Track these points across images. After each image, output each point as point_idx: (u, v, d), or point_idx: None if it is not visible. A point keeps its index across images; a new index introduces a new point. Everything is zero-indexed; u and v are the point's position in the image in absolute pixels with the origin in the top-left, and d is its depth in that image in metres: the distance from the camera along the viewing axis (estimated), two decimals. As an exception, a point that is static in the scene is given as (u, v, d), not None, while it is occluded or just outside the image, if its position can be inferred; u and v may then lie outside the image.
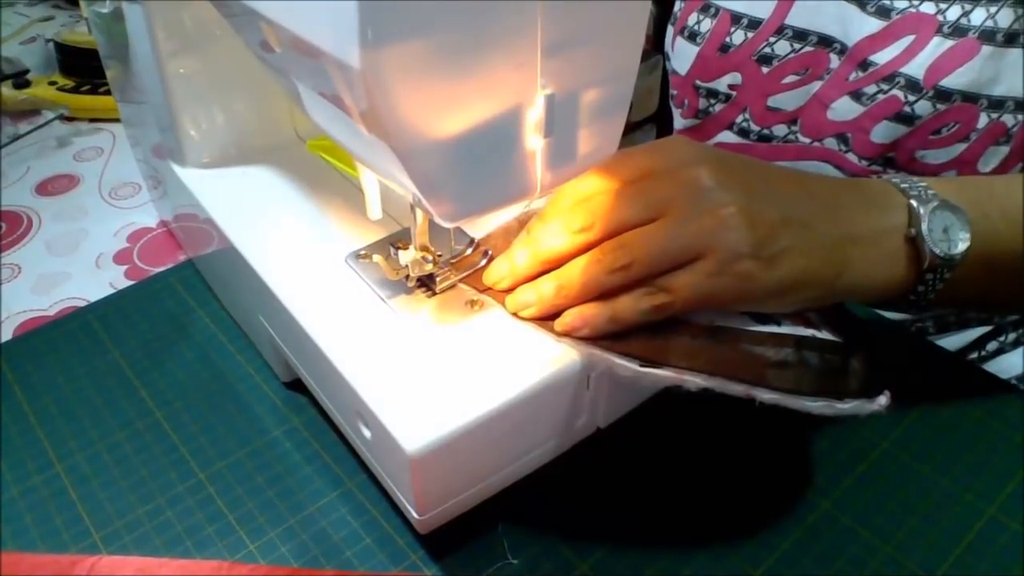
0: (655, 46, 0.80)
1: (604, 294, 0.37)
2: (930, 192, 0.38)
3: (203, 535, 0.41)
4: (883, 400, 0.36)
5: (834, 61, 0.56)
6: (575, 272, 0.37)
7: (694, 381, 0.35)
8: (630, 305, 0.36)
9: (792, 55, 0.58)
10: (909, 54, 0.51)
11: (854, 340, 0.38)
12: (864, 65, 0.54)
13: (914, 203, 0.38)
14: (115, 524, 0.42)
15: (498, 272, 0.40)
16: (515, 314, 0.39)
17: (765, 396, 0.35)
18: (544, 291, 0.38)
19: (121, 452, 0.46)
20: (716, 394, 0.35)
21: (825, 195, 0.38)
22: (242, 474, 0.44)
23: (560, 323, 0.37)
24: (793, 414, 0.46)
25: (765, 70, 0.59)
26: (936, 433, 0.45)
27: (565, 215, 0.38)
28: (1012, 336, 0.62)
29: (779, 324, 0.37)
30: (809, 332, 0.37)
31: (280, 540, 0.41)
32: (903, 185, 0.39)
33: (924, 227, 0.37)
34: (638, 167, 0.38)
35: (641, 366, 0.35)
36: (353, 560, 0.40)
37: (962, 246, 0.38)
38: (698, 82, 0.64)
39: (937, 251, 0.38)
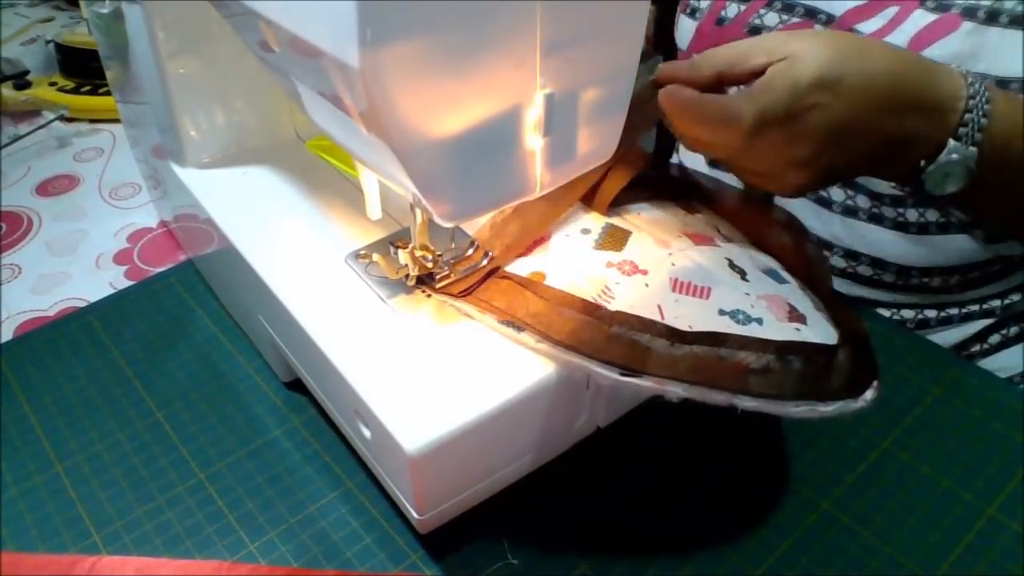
0: (655, 46, 0.80)
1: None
2: (977, 136, 0.41)
3: (203, 535, 0.41)
4: (869, 395, 0.36)
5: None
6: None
7: (675, 391, 0.35)
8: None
9: (780, 26, 0.59)
10: (894, 24, 0.53)
11: (846, 330, 0.38)
12: None
13: (951, 142, 0.41)
14: (115, 524, 0.42)
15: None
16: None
17: (746, 404, 0.35)
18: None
19: (121, 452, 0.46)
20: (697, 404, 0.35)
21: (887, 141, 0.41)
22: (242, 474, 0.44)
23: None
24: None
25: None
26: (936, 433, 0.45)
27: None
28: (1015, 329, 0.62)
29: (761, 323, 0.37)
30: (794, 327, 0.37)
31: (280, 540, 0.41)
32: (967, 101, 0.41)
33: (930, 168, 0.41)
34: (771, 49, 0.40)
35: (621, 375, 0.35)
36: (353, 560, 0.40)
37: (948, 189, 0.42)
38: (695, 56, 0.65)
39: (925, 184, 0.42)
